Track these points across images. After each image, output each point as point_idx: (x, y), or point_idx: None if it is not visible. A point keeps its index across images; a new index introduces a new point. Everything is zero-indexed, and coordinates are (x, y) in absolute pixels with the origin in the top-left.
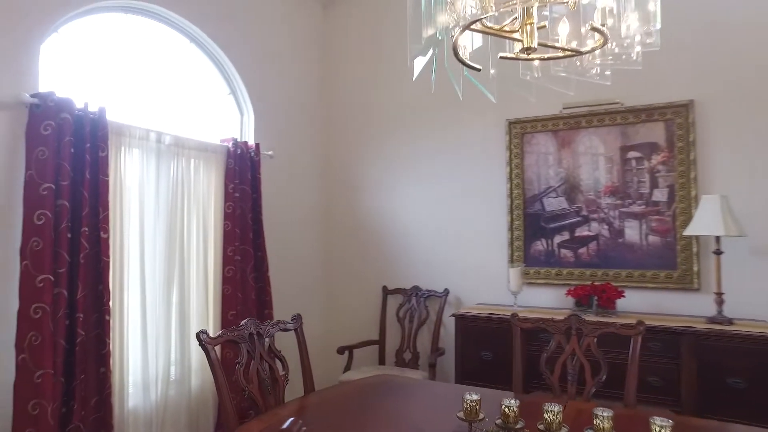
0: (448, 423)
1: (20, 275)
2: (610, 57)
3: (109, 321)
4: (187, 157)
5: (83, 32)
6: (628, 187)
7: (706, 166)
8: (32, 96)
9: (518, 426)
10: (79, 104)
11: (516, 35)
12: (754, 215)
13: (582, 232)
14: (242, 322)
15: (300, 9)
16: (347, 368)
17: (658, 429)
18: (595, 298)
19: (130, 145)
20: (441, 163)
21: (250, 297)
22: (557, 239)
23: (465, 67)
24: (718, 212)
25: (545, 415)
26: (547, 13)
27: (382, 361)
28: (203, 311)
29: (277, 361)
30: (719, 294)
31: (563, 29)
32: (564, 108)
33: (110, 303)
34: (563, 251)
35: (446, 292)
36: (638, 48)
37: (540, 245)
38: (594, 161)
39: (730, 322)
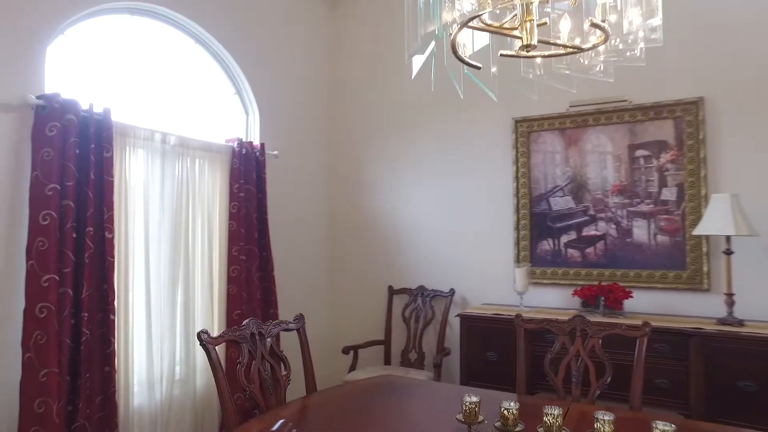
0: (447, 425)
1: (26, 275)
2: (614, 54)
3: (113, 320)
4: (192, 157)
5: (89, 34)
6: (637, 185)
7: (717, 164)
8: (38, 98)
9: (517, 429)
10: (84, 105)
11: (516, 32)
12: (766, 214)
13: (589, 231)
14: (244, 322)
15: (305, 9)
16: (352, 368)
17: None
18: (602, 298)
19: (135, 145)
20: (447, 162)
21: (255, 297)
22: (564, 239)
23: (465, 66)
24: (729, 211)
25: (545, 418)
26: (549, 9)
27: (387, 361)
28: (208, 311)
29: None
30: (729, 295)
31: (564, 26)
32: (571, 106)
33: (115, 302)
34: (570, 251)
35: (452, 292)
36: (641, 44)
37: (546, 245)
38: (601, 160)
39: (740, 323)
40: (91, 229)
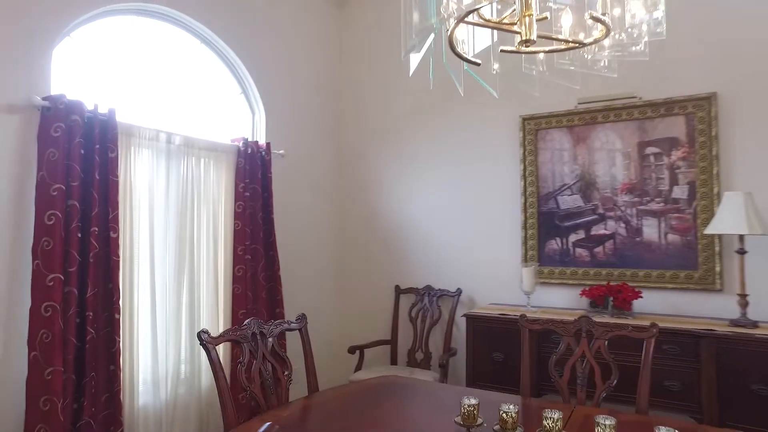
0: (446, 427)
1: (32, 274)
2: (618, 48)
3: (118, 319)
4: (197, 157)
5: (96, 35)
6: (647, 184)
7: (730, 161)
8: (43, 99)
9: None
10: (89, 106)
11: (516, 28)
12: None
13: (598, 230)
14: (245, 322)
15: (312, 8)
16: (358, 368)
17: None
18: (611, 298)
19: (140, 145)
20: (453, 161)
21: (261, 296)
22: (572, 238)
23: (465, 63)
24: (742, 210)
25: (544, 422)
26: (551, 4)
27: (394, 361)
28: (213, 310)
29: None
30: (743, 295)
31: (566, 20)
32: (579, 103)
33: (120, 302)
34: (578, 250)
35: (459, 291)
36: (645, 38)
37: (554, 244)
38: (611, 157)
39: (754, 325)
40: (96, 228)
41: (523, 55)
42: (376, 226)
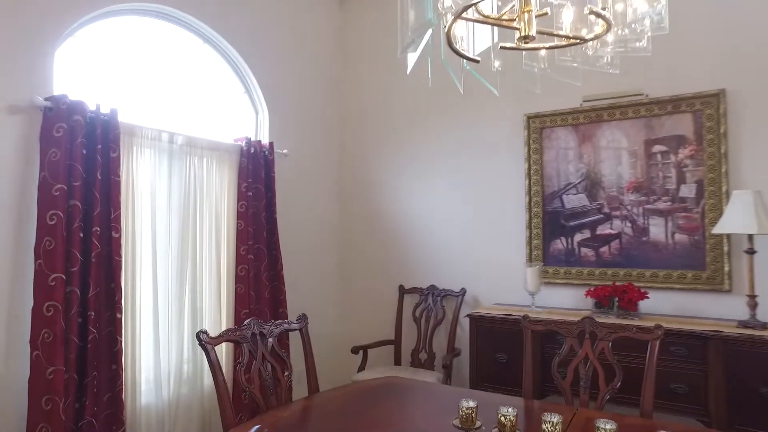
0: (444, 430)
1: (34, 274)
2: (621, 44)
3: (120, 319)
4: (200, 157)
5: (98, 35)
6: (653, 182)
7: (738, 159)
8: (46, 99)
9: None
10: (91, 106)
11: (515, 24)
12: None
13: (604, 230)
14: (245, 322)
15: (314, 5)
16: (361, 368)
17: None
18: (616, 299)
19: (142, 145)
20: (457, 160)
21: (264, 296)
22: (577, 237)
23: (465, 60)
24: (751, 208)
25: (543, 426)
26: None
27: (397, 361)
28: (216, 310)
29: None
30: (752, 296)
31: (567, 16)
32: (584, 101)
33: (122, 301)
34: (584, 250)
35: (463, 291)
36: (648, 33)
37: (559, 244)
38: (616, 156)
39: (764, 326)
40: (98, 228)
41: (525, 52)
42: (380, 225)
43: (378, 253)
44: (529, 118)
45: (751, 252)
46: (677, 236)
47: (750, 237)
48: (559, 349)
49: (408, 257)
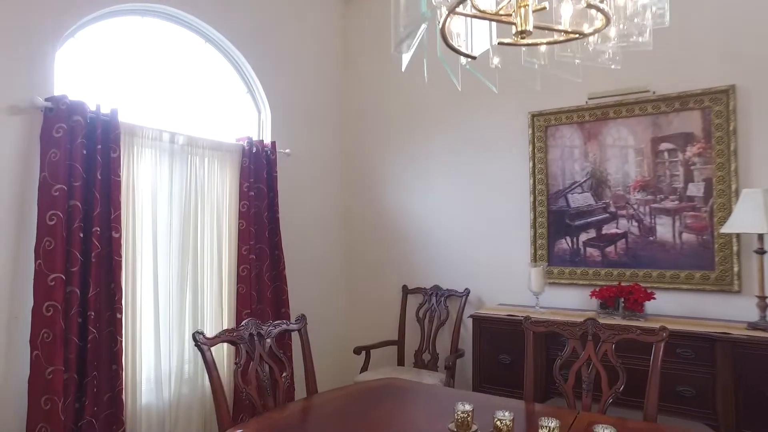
0: None
1: (34, 274)
2: (623, 39)
3: (120, 319)
4: (201, 157)
5: (100, 35)
6: (660, 181)
7: (748, 157)
8: (46, 100)
9: None
10: (91, 107)
11: (512, 19)
12: None
13: (609, 229)
14: (243, 322)
15: (317, 4)
16: (364, 369)
17: None
18: (622, 300)
19: (143, 145)
20: (462, 159)
21: (266, 296)
22: (583, 237)
23: (463, 57)
24: (761, 207)
25: (540, 431)
26: None
27: (400, 362)
28: (217, 310)
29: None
30: (762, 297)
31: (566, 10)
32: (590, 98)
33: (122, 301)
34: (589, 250)
35: (467, 291)
36: (649, 27)
37: (564, 243)
38: (623, 154)
39: None
40: (98, 228)
41: (525, 49)
42: (383, 225)
43: (381, 253)
44: (533, 116)
45: (761, 252)
46: (685, 236)
47: (760, 236)
48: (563, 351)
49: (411, 257)
